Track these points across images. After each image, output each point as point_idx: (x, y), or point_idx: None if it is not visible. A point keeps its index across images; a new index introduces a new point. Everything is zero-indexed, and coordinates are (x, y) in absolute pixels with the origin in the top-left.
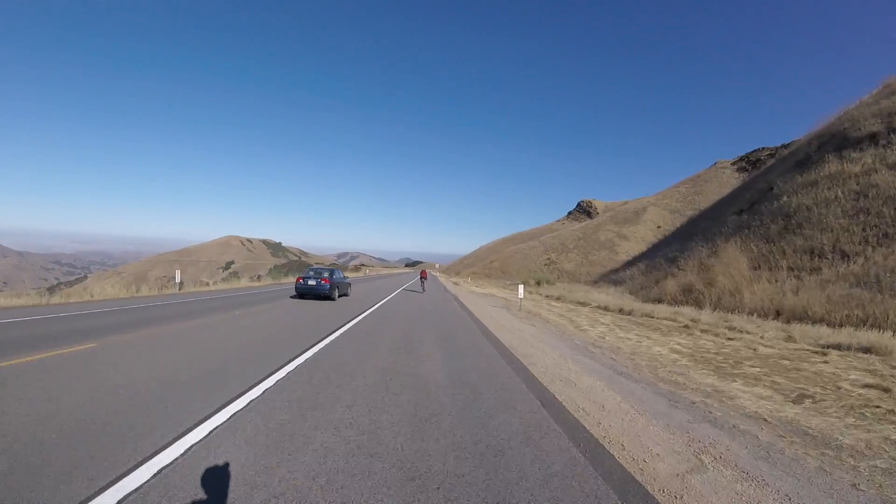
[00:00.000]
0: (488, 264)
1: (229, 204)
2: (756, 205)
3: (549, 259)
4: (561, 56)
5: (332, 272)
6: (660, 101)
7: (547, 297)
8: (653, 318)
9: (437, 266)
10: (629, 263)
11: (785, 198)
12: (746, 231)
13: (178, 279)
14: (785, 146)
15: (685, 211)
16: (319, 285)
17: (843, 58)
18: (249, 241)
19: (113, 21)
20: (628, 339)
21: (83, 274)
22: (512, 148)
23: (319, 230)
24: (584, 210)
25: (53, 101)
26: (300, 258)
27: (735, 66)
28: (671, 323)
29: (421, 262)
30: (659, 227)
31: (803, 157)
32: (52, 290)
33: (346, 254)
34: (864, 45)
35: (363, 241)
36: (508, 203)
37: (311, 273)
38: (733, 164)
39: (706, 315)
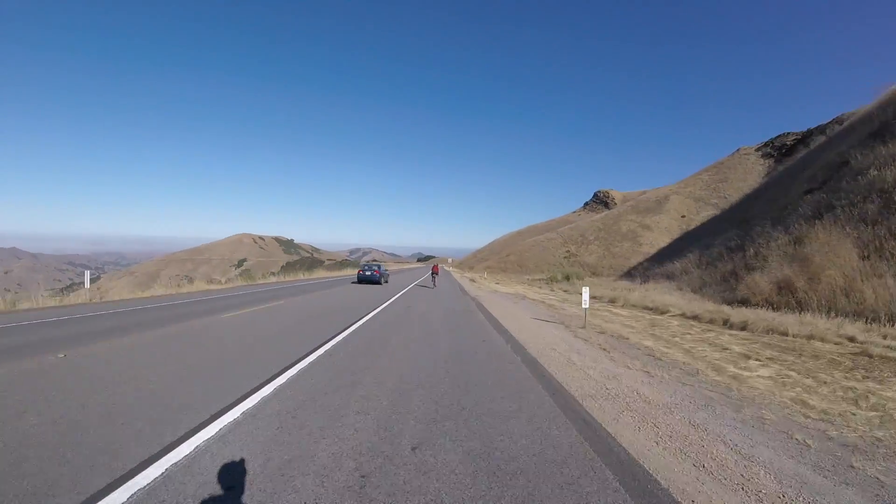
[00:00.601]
0: (504, 258)
1: (242, 202)
2: (831, 181)
3: (568, 251)
4: (572, 44)
5: (379, 266)
6: (675, 89)
7: (595, 298)
8: (787, 336)
9: (449, 260)
10: (666, 255)
11: (873, 171)
12: (832, 212)
13: (87, 283)
14: (838, 121)
15: (710, 199)
16: (373, 275)
17: (862, 47)
18: (262, 238)
19: (120, 19)
20: (874, 411)
21: (97, 275)
22: (524, 140)
23: (332, 226)
24: (601, 200)
25: (66, 105)
26: (312, 255)
27: (753, 53)
28: (835, 348)
29: (433, 257)
30: (683, 216)
31: (879, 127)
32: (64, 290)
33: (358, 249)
34: (879, 37)
35: (375, 236)
36: (521, 196)
37: (367, 267)
38: (757, 150)
39: (870, 333)
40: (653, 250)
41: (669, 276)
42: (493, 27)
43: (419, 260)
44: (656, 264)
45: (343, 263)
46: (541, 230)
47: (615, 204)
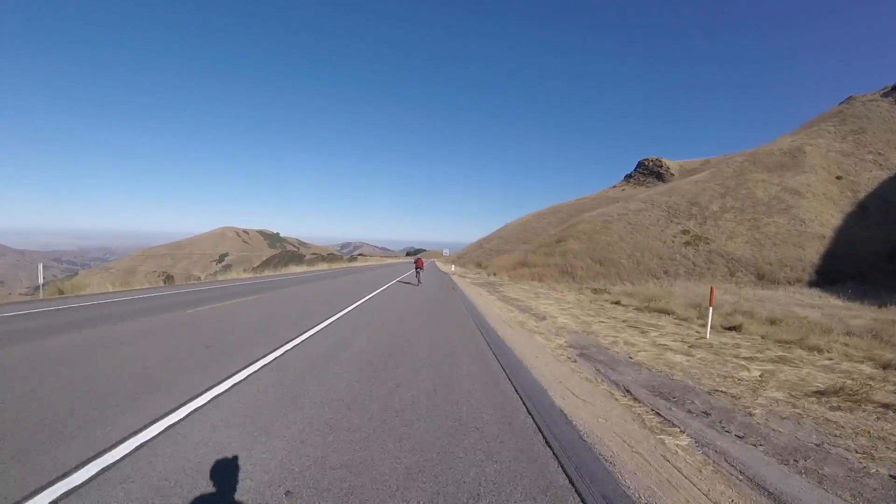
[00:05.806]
0: (551, 248)
1: (232, 196)
2: None
3: (684, 231)
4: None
5: (419, 257)
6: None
7: None
8: None
9: (444, 253)
10: None
11: None
12: None
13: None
14: None
15: (863, 154)
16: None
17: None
18: (245, 231)
19: (103, 14)
20: None
21: (76, 271)
22: (526, 126)
23: (320, 220)
24: (650, 171)
25: (55, 98)
26: (298, 249)
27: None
28: None
29: (423, 251)
30: (839, 177)
31: None
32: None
33: (348, 244)
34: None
35: (366, 231)
36: (521, 185)
37: (415, 259)
38: (884, 95)
39: None
40: (827, 231)
41: None
42: (479, 13)
43: (408, 254)
44: None
45: (329, 258)
46: (587, 206)
47: (671, 175)
